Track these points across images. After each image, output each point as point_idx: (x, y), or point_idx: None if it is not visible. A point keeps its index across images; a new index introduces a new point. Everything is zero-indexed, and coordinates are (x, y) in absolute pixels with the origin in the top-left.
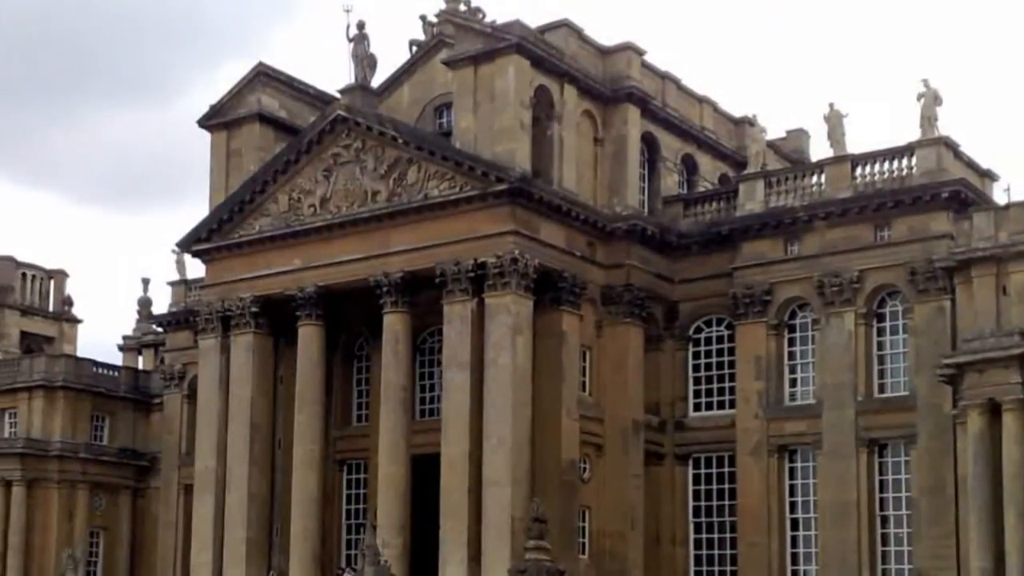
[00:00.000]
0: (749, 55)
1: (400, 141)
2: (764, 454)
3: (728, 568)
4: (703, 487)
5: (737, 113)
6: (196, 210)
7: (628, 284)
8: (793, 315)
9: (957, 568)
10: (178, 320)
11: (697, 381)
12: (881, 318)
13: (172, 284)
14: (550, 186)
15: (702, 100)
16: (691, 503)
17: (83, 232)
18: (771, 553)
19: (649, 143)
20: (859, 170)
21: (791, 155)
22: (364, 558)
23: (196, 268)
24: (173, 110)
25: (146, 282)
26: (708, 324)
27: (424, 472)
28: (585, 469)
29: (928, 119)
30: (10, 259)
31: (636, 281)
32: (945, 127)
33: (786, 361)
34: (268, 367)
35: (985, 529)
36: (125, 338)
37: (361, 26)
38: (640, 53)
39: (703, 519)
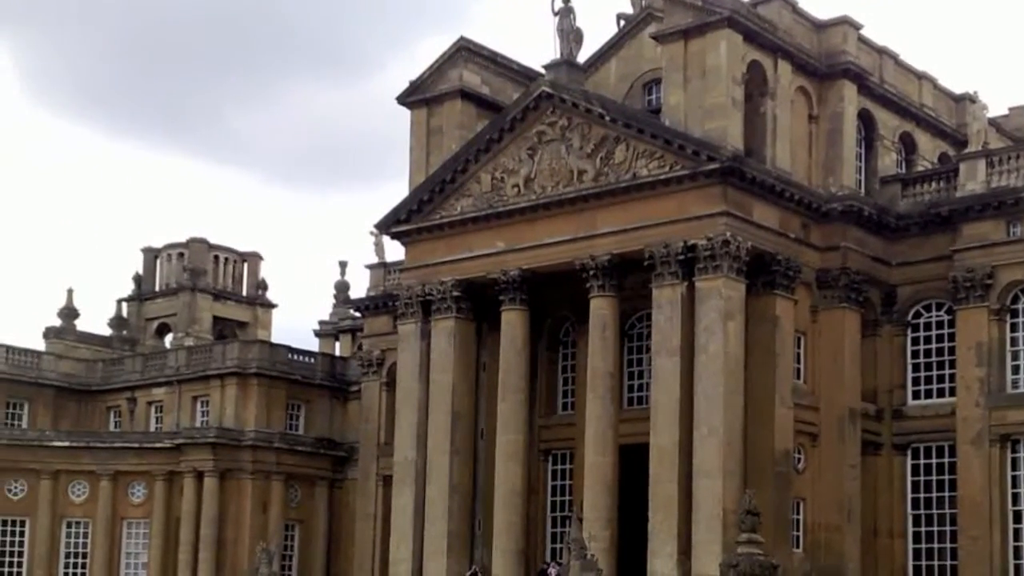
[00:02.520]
0: (970, 30)
1: (607, 119)
2: (986, 444)
3: (948, 562)
4: (922, 478)
5: (957, 90)
6: (395, 190)
7: (844, 267)
8: (1016, 299)
9: None
10: (376, 304)
11: (916, 368)
12: None
13: (370, 267)
14: (763, 165)
15: (921, 76)
16: (909, 495)
17: (277, 213)
18: (993, 547)
19: (866, 121)
20: None
21: (1014, 133)
22: (570, 552)
23: (395, 250)
24: (371, 87)
25: (343, 265)
26: (927, 309)
27: (632, 463)
28: (800, 459)
29: None
30: (202, 241)
31: (852, 264)
32: None
33: (1008, 347)
34: (470, 353)
35: None
36: (321, 323)
37: None
38: (856, 27)
39: (922, 511)
